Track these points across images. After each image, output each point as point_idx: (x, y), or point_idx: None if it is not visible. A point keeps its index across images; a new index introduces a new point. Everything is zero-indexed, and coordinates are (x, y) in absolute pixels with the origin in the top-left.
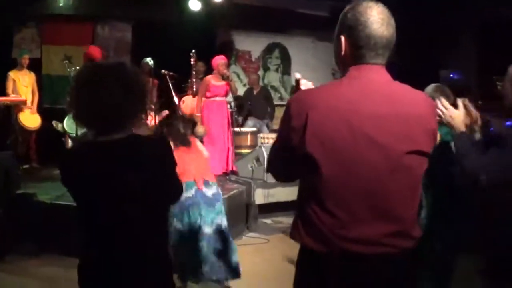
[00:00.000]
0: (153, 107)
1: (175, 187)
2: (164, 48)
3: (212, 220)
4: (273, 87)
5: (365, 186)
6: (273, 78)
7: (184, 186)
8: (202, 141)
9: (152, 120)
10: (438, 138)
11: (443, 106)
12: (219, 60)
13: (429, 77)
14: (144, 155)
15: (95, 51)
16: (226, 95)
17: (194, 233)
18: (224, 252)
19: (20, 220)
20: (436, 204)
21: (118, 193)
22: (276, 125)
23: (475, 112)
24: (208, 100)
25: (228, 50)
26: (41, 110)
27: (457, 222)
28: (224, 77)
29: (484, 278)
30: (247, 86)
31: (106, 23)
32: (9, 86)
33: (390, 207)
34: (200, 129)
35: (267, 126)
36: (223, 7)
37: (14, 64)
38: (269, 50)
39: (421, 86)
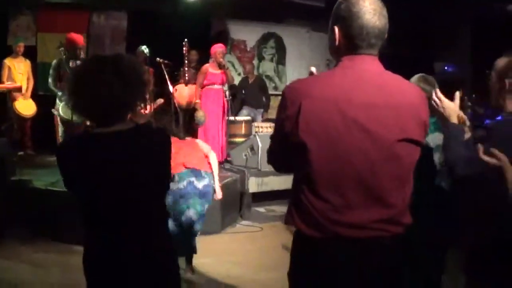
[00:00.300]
0: (148, 96)
1: (169, 177)
2: (159, 37)
3: (197, 210)
4: (268, 76)
5: (356, 173)
6: (268, 67)
7: (176, 178)
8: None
9: (147, 108)
10: None
11: (437, 97)
12: (217, 48)
13: (424, 70)
14: (145, 146)
15: (78, 38)
16: (223, 83)
17: (178, 219)
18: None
19: (15, 206)
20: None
21: (120, 183)
22: (271, 114)
23: (462, 115)
24: (205, 88)
25: (223, 39)
26: (35, 97)
27: (443, 219)
28: (220, 66)
29: (465, 275)
30: (242, 76)
31: (102, 11)
32: (4, 73)
33: (381, 194)
34: (200, 113)
35: (262, 115)
36: None
37: (10, 52)
38: (264, 39)
39: None
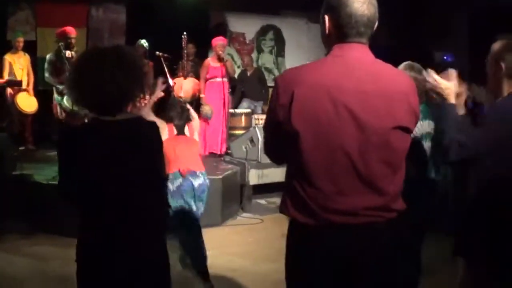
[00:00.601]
0: (147, 89)
1: (164, 168)
2: (158, 30)
3: (193, 207)
4: (267, 68)
5: (348, 160)
6: (267, 60)
7: (171, 176)
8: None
9: (147, 101)
10: None
11: (433, 77)
12: (218, 41)
13: (422, 60)
14: (144, 136)
15: (69, 29)
16: (224, 76)
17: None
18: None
19: (16, 200)
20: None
21: (120, 171)
22: None
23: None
24: (208, 82)
25: (222, 31)
26: (35, 92)
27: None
28: (220, 58)
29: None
30: (241, 68)
31: (101, 5)
32: (5, 69)
33: (373, 181)
34: (206, 107)
35: (261, 107)
36: None
37: (9, 47)
38: (263, 32)
39: None
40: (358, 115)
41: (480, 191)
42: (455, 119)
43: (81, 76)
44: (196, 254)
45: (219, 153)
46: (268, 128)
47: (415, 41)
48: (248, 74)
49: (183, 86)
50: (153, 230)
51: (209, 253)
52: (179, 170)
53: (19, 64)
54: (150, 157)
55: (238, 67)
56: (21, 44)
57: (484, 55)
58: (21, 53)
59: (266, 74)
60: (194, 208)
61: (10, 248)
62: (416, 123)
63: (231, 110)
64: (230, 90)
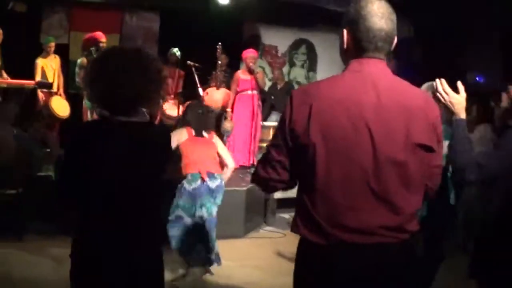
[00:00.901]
0: (175, 97)
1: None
2: (190, 39)
3: (208, 209)
4: (298, 82)
5: (363, 175)
6: (298, 74)
7: (190, 177)
8: (227, 136)
9: (176, 110)
10: None
11: (444, 90)
12: (248, 53)
13: (455, 80)
14: (154, 142)
15: (97, 34)
16: (254, 88)
17: (190, 219)
18: (206, 239)
19: (39, 201)
20: None
21: (125, 169)
22: None
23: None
24: (238, 94)
25: (254, 44)
26: (66, 96)
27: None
28: (250, 71)
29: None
30: (272, 81)
31: (134, 13)
32: (37, 73)
33: (387, 198)
34: (227, 123)
35: None
36: (251, 0)
37: (41, 50)
38: (295, 45)
39: None
40: (375, 131)
41: (499, 214)
42: (467, 136)
43: (99, 74)
44: (207, 242)
45: (247, 165)
46: (276, 144)
47: (450, 62)
48: (278, 87)
49: (214, 96)
50: (150, 237)
51: (229, 263)
52: (199, 172)
53: (51, 68)
54: (156, 163)
55: (270, 80)
56: (52, 49)
57: None
58: (52, 55)
59: (296, 88)
60: (205, 210)
61: (32, 249)
62: (438, 140)
63: (260, 123)
64: (260, 102)
